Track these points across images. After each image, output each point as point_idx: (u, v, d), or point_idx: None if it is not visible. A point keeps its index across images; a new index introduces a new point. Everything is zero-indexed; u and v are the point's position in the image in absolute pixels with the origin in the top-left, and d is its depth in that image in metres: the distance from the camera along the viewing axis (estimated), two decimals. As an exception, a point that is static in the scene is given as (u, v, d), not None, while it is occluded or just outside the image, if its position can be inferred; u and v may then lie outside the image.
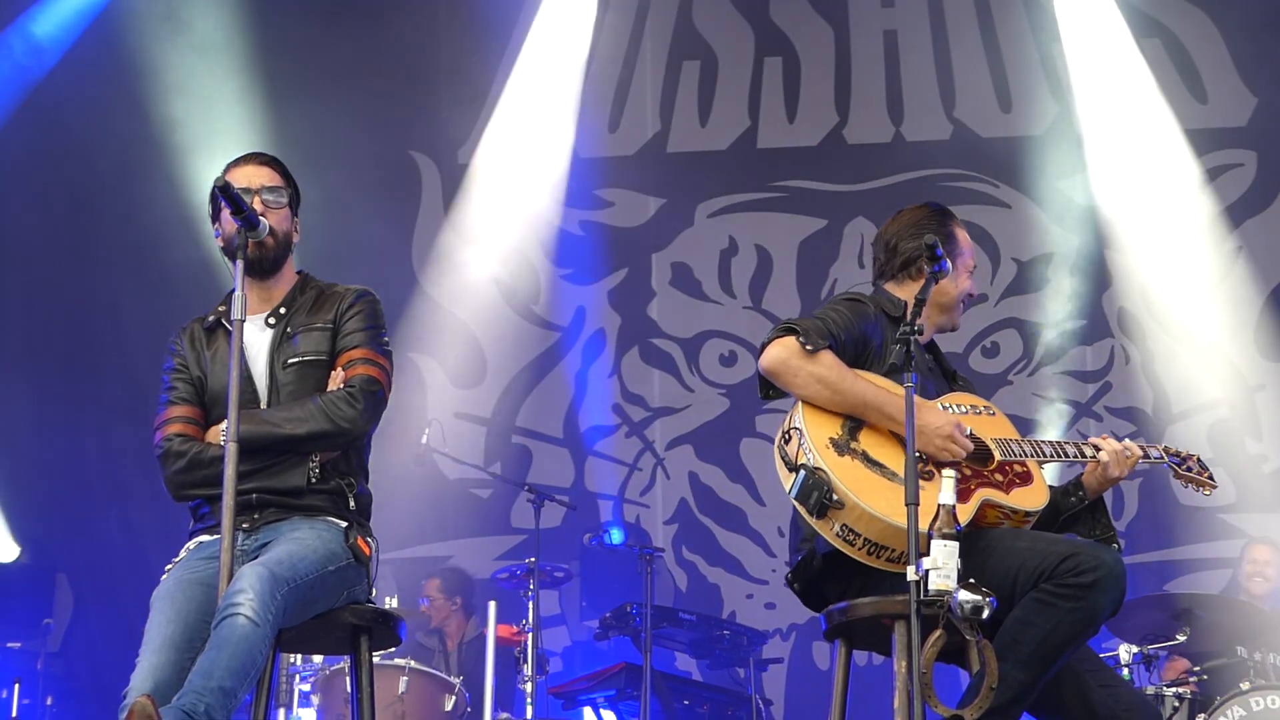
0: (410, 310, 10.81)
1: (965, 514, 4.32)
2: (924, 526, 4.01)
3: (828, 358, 4.45)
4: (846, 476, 4.32)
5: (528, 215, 11.07)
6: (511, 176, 11.08)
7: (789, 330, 4.48)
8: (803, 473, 4.33)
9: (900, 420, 4.29)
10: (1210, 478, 4.99)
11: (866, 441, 4.44)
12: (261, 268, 4.72)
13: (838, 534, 4.32)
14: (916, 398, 4.25)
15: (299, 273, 4.90)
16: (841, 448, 4.40)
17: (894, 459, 4.39)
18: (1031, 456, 4.65)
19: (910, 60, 11.16)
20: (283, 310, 4.78)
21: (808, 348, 4.42)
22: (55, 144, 10.59)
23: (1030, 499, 4.56)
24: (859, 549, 4.32)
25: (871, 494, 4.30)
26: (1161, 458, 4.93)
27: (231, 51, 10.50)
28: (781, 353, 4.46)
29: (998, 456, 4.58)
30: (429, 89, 11.24)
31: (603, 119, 11.24)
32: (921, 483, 4.17)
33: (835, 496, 4.28)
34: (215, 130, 10.27)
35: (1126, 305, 10.66)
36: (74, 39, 10.55)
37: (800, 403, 4.47)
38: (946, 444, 4.47)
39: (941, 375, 4.92)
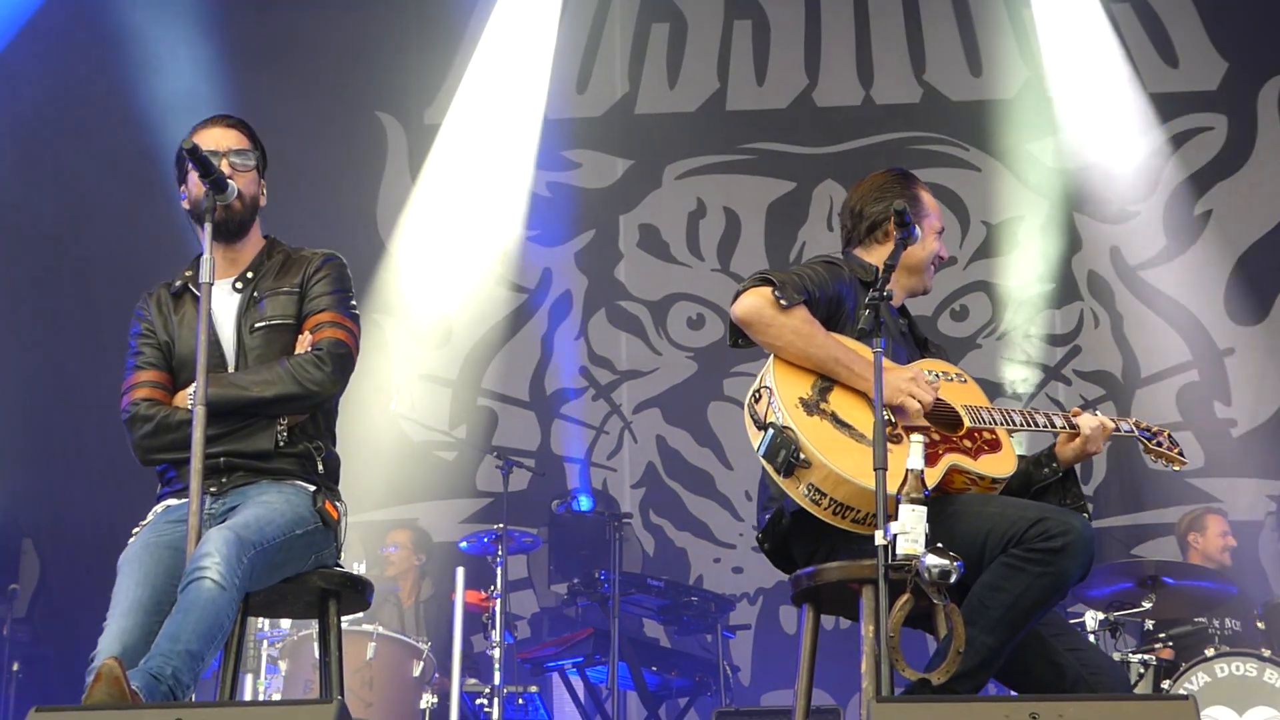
0: (376, 272, 10.75)
1: (932, 478, 4.32)
2: (892, 490, 4.01)
3: (801, 312, 4.44)
4: (814, 436, 4.31)
5: (494, 177, 11.02)
6: (478, 138, 11.03)
7: (765, 280, 4.46)
8: (771, 431, 4.33)
9: (868, 379, 4.28)
10: (1180, 453, 4.98)
11: (836, 403, 4.43)
12: (229, 231, 4.69)
13: (804, 494, 4.31)
14: (886, 361, 4.25)
15: (265, 237, 4.88)
16: (811, 408, 4.38)
17: (863, 421, 4.37)
18: (1001, 425, 4.63)
19: (880, 23, 11.13)
20: (250, 274, 4.76)
21: (782, 301, 4.40)
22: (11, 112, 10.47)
23: (998, 466, 4.55)
24: (825, 509, 4.31)
25: (839, 455, 4.29)
26: (1132, 431, 4.93)
27: (193, 12, 10.39)
28: (757, 301, 4.43)
29: (967, 423, 4.57)
30: (396, 49, 11.16)
31: (571, 80, 11.19)
32: (890, 446, 4.16)
33: (802, 456, 4.27)
34: (178, 93, 10.16)
35: (1096, 269, 10.68)
36: (34, 9, 10.41)
37: (771, 362, 4.46)
38: (910, 385, 4.46)
39: (914, 342, 4.91)
